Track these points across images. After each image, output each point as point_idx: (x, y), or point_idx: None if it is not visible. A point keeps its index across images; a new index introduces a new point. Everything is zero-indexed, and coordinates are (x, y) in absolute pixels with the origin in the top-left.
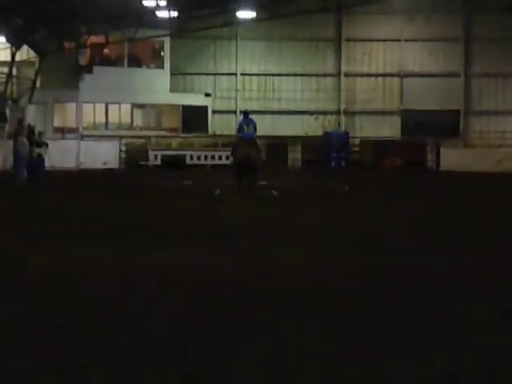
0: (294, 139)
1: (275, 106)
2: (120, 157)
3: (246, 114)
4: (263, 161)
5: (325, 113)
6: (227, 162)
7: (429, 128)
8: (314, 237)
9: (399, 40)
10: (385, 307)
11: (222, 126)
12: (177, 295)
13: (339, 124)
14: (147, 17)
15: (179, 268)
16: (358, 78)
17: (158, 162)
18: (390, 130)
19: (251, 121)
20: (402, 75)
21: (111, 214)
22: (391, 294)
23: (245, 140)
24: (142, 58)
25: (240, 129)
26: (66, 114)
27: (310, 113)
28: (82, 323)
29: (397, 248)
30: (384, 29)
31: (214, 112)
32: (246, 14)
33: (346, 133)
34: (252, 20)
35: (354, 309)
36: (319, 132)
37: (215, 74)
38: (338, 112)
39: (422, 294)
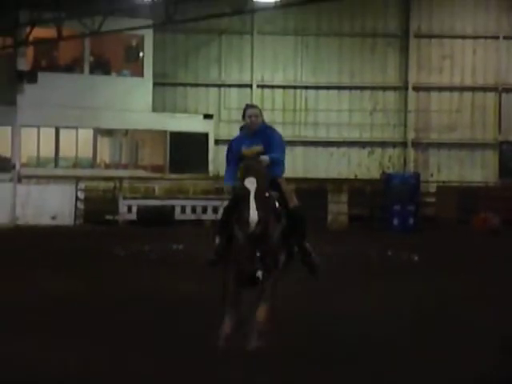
0: (338, 184)
1: (309, 134)
2: (76, 208)
3: (248, 106)
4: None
5: (384, 145)
6: None
7: None
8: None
9: (496, 37)
10: None
11: None
12: None
13: (405, 162)
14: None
15: None
16: (434, 94)
17: (133, 217)
18: (482, 171)
19: (265, 133)
20: (501, 89)
21: (48, 295)
22: None
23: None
24: (110, 60)
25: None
26: None
27: (362, 144)
28: None
29: None
30: (473, 20)
31: (217, 142)
32: None
33: (416, 175)
34: (275, 5)
35: None
36: (375, 174)
37: (220, 86)
38: (403, 144)
39: None
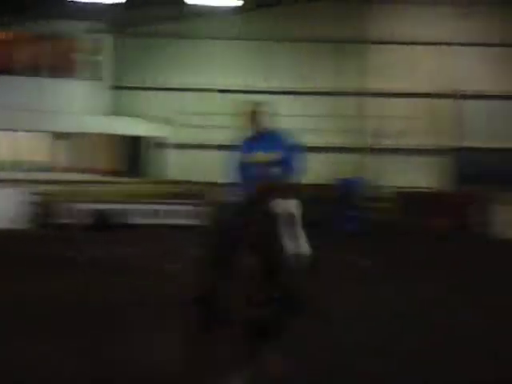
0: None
1: None
2: (30, 212)
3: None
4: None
5: (340, 150)
6: (192, 222)
7: (497, 175)
8: None
9: (451, 43)
10: None
11: (186, 167)
12: None
13: (361, 167)
14: (75, 3)
15: None
16: (392, 99)
17: (88, 221)
18: (437, 177)
19: (280, 139)
20: (457, 96)
21: None
22: None
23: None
24: (66, 64)
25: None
26: None
27: (318, 149)
28: None
29: None
30: (429, 26)
31: (175, 146)
32: (224, 1)
33: (370, 180)
34: (234, 9)
35: None
36: (330, 179)
37: (178, 90)
38: (360, 150)
39: None
